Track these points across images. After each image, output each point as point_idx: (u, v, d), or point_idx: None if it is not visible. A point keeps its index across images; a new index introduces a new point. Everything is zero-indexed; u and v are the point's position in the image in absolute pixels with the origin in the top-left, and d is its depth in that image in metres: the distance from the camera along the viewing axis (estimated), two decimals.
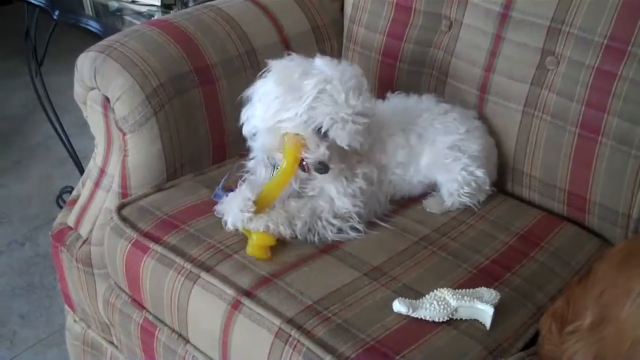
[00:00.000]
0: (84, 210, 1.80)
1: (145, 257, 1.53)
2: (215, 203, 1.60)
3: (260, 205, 1.51)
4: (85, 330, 1.88)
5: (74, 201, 1.85)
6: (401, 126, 1.67)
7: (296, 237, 1.52)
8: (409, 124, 1.68)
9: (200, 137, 1.79)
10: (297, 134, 1.49)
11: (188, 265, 1.48)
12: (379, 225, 1.61)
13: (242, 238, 1.52)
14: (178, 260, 1.49)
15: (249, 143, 1.61)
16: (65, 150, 2.60)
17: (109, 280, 1.68)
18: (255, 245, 1.48)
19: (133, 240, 1.56)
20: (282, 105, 1.49)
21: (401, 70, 1.96)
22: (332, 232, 1.55)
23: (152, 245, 1.53)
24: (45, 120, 2.58)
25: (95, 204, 1.78)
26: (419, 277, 1.48)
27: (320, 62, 1.53)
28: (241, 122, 1.58)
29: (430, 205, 1.69)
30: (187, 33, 1.80)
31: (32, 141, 3.10)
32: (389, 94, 1.78)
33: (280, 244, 1.51)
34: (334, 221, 1.55)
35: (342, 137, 1.49)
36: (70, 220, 1.83)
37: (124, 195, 1.72)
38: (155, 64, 1.71)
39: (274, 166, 1.58)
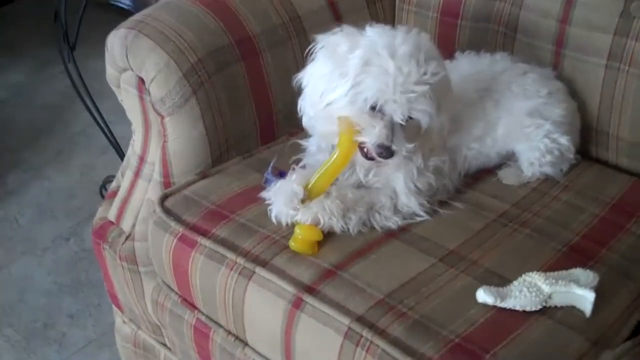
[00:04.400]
0: (124, 203, 1.65)
1: (193, 252, 1.39)
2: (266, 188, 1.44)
3: (310, 195, 1.35)
4: (135, 331, 1.74)
5: (114, 193, 1.71)
6: (476, 93, 1.48)
7: (348, 231, 1.34)
8: (484, 90, 1.49)
9: (246, 116, 1.63)
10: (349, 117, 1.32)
11: (241, 260, 1.32)
12: (450, 204, 1.43)
13: None
14: (229, 254, 1.34)
15: (311, 135, 1.45)
16: (106, 139, 2.46)
17: (157, 279, 1.54)
18: (300, 239, 1.31)
19: (179, 235, 1.41)
20: (328, 84, 1.32)
21: (463, 29, 1.77)
22: (394, 223, 1.37)
23: (200, 239, 1.38)
24: (84, 108, 2.44)
25: (137, 196, 1.63)
26: (502, 260, 1.31)
27: (371, 31, 1.35)
28: (299, 114, 1.42)
29: (507, 176, 1.51)
30: (225, 2, 1.63)
31: (73, 130, 2.98)
32: (457, 54, 1.60)
33: None
34: (395, 217, 1.38)
35: (398, 111, 1.29)
36: (112, 215, 1.68)
37: (166, 184, 1.57)
38: (192, 38, 1.54)
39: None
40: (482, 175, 1.53)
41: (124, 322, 1.77)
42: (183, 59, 1.51)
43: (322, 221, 1.32)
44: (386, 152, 1.30)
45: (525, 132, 1.48)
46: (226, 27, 1.59)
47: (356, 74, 1.29)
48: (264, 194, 1.41)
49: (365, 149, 1.32)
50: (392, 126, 1.30)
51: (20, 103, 3.17)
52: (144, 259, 1.58)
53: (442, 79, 1.33)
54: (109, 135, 2.43)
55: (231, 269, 1.33)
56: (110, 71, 1.61)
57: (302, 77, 1.38)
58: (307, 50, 1.38)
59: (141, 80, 1.54)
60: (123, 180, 1.69)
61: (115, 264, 1.64)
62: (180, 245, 1.41)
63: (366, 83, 1.28)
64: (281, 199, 1.36)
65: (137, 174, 1.64)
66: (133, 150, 1.66)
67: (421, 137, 1.35)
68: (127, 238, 1.62)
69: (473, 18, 1.75)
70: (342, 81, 1.30)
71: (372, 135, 1.30)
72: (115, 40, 1.55)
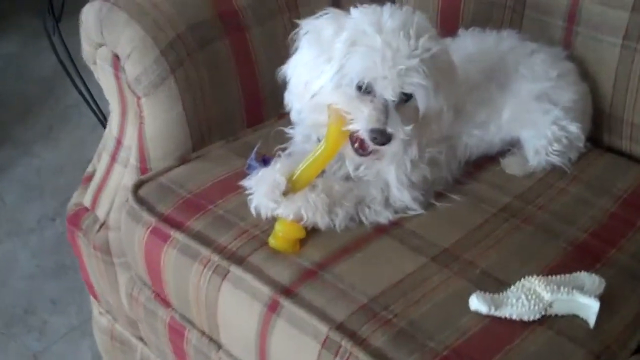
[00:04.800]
0: (100, 188, 1.55)
1: (165, 246, 1.28)
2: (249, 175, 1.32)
3: (294, 187, 1.23)
4: (112, 324, 1.64)
5: (90, 177, 1.60)
6: (480, 75, 1.36)
7: (334, 227, 1.23)
8: (489, 71, 1.36)
9: (231, 96, 1.51)
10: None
11: (215, 257, 1.22)
12: (447, 196, 1.31)
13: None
14: (203, 250, 1.23)
15: (296, 128, 1.34)
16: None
17: (131, 271, 1.43)
18: (280, 237, 1.20)
19: (151, 227, 1.31)
20: (313, 72, 1.20)
21: (467, 3, 1.63)
22: (385, 218, 1.26)
23: (172, 232, 1.28)
24: None
25: (113, 181, 1.52)
26: (501, 260, 1.20)
27: (357, 12, 1.23)
28: (286, 108, 1.31)
29: (511, 165, 1.39)
30: None
31: (64, 105, 2.86)
32: (460, 31, 1.47)
33: None
34: (386, 212, 1.26)
35: (389, 87, 1.16)
36: (87, 200, 1.58)
37: (142, 170, 1.46)
38: (171, 11, 1.42)
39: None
40: (483, 163, 1.41)
41: (100, 313, 1.67)
42: (160, 34, 1.40)
43: (305, 217, 1.21)
44: (381, 136, 1.17)
45: (532, 117, 1.36)
46: None
47: (342, 57, 1.17)
48: (244, 182, 1.30)
49: (357, 142, 1.20)
50: (385, 108, 1.17)
51: (11, 75, 3.06)
52: (118, 250, 1.47)
53: (439, 55, 1.20)
54: (97, 112, 2.32)
55: (204, 266, 1.22)
56: (85, 47, 1.49)
57: (287, 68, 1.27)
58: (289, 36, 1.26)
59: (116, 57, 1.42)
60: (99, 164, 1.58)
61: (90, 253, 1.54)
62: (152, 238, 1.30)
63: (352, 63, 1.17)
64: (262, 190, 1.25)
65: (113, 157, 1.53)
66: (110, 131, 1.55)
67: (419, 121, 1.22)
68: (101, 226, 1.52)
69: None
70: (328, 66, 1.18)
71: (362, 119, 1.17)
72: (90, 13, 1.44)
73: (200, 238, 1.25)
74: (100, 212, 1.53)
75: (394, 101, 1.18)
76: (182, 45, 1.41)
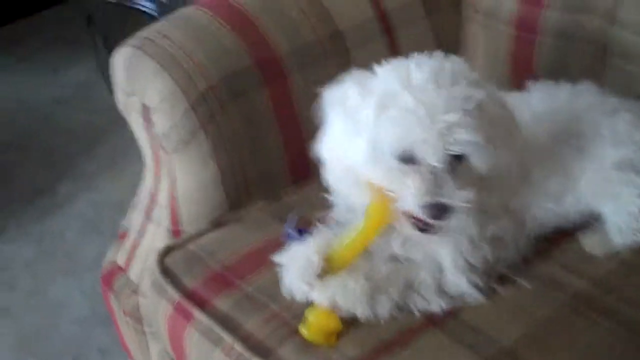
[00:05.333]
0: (134, 247, 1.43)
1: (189, 326, 1.14)
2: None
3: (331, 267, 1.07)
4: None
5: (124, 235, 1.48)
6: (553, 138, 1.16)
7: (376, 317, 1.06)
8: (563, 133, 1.17)
9: (271, 151, 1.36)
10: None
11: (239, 346, 1.07)
12: (513, 281, 1.12)
13: None
14: (227, 336, 1.09)
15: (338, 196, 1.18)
16: None
17: (160, 344, 1.30)
18: (313, 327, 1.04)
19: (175, 303, 1.17)
20: (343, 148, 1.05)
21: (543, 47, 1.43)
22: (438, 306, 1.08)
23: (196, 312, 1.13)
24: None
25: (146, 241, 1.40)
26: None
27: (383, 70, 1.06)
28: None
29: (591, 244, 1.18)
30: (248, 14, 1.35)
31: (129, 137, 2.78)
32: (529, 83, 1.27)
33: None
34: (439, 300, 1.08)
35: (430, 151, 0.99)
36: (121, 259, 1.46)
37: (175, 233, 1.33)
38: (204, 61, 1.28)
39: None
40: (559, 239, 1.20)
41: None
42: (191, 85, 1.26)
43: (340, 305, 1.04)
44: (439, 211, 0.99)
45: (613, 189, 1.15)
46: (247, 46, 1.32)
47: (372, 126, 1.00)
48: (277, 258, 1.14)
49: (413, 220, 1.02)
50: (434, 176, 1.00)
51: (80, 104, 3.00)
52: (150, 318, 1.34)
53: (487, 103, 1.02)
54: None
55: (227, 355, 1.07)
56: (118, 94, 1.38)
57: (319, 148, 1.11)
58: (311, 108, 1.11)
59: (145, 108, 1.30)
60: (134, 219, 1.46)
61: (121, 318, 1.42)
62: (176, 316, 1.17)
63: (384, 131, 1.00)
64: (294, 269, 1.09)
65: (147, 214, 1.41)
66: (145, 186, 1.43)
67: (479, 184, 1.04)
68: (133, 290, 1.39)
69: (556, 34, 1.41)
70: (359, 139, 1.02)
71: (410, 196, 1.00)
72: (119, 60, 1.32)
73: (224, 321, 1.11)
74: (133, 275, 1.41)
75: (443, 166, 1.00)
76: (214, 97, 1.27)
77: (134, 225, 1.44)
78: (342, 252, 1.07)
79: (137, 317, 1.37)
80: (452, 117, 0.97)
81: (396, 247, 1.09)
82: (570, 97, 1.22)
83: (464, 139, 0.98)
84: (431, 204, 0.99)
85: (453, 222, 1.01)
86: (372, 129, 1.00)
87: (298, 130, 1.37)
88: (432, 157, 0.99)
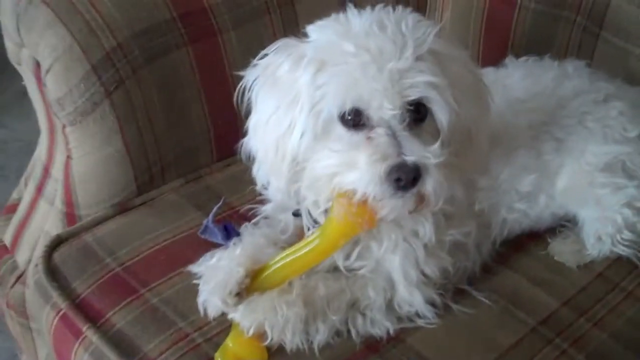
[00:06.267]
0: (22, 225, 1.22)
1: (76, 344, 0.94)
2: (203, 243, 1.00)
3: (260, 285, 0.88)
4: None
5: (14, 207, 1.25)
6: (530, 130, 1.01)
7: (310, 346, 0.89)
8: (543, 124, 1.01)
9: (193, 123, 1.17)
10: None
11: None
12: (472, 297, 0.96)
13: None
14: None
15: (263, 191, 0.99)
16: None
17: (48, 348, 1.09)
18: (232, 355, 0.87)
19: (61, 313, 0.96)
20: (279, 128, 0.85)
21: (524, 12, 1.26)
22: (381, 329, 0.91)
23: (85, 328, 0.93)
24: None
25: (36, 221, 1.20)
26: None
27: (315, 29, 0.88)
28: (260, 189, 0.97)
29: (562, 252, 1.08)
30: None
31: None
32: (508, 59, 1.11)
33: None
34: (386, 322, 0.91)
35: (385, 101, 0.81)
36: (7, 237, 1.23)
37: (69, 216, 1.12)
38: (112, 11, 1.06)
39: (315, 221, 0.92)
40: (525, 242, 1.07)
41: None
42: (94, 42, 1.03)
43: (269, 335, 0.86)
44: (407, 172, 0.80)
45: (597, 193, 1.01)
46: None
47: (310, 89, 0.83)
48: (192, 268, 0.94)
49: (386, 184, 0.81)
50: (392, 137, 0.81)
51: None
52: (36, 317, 1.13)
53: (449, 56, 0.86)
54: None
55: None
56: (8, 44, 1.13)
57: (247, 138, 0.92)
58: (237, 90, 0.91)
59: (38, 65, 1.06)
60: (25, 191, 1.23)
61: (4, 309, 1.20)
62: (61, 328, 0.97)
63: (324, 90, 0.83)
64: (213, 283, 0.90)
65: (39, 189, 1.19)
66: (39, 155, 1.20)
67: (447, 138, 0.85)
68: (18, 278, 1.17)
69: None
70: (296, 111, 0.83)
71: (366, 164, 0.80)
72: (7, 4, 1.07)
73: (120, 342, 0.92)
74: (21, 258, 1.20)
75: (402, 123, 0.82)
76: (123, 57, 1.05)
77: (24, 199, 1.22)
78: (281, 272, 0.89)
79: (21, 311, 1.16)
80: (403, 63, 0.80)
81: (339, 260, 0.91)
82: (555, 80, 1.06)
83: (421, 81, 0.81)
84: (396, 165, 0.79)
85: (431, 183, 0.81)
86: (311, 93, 0.82)
87: (228, 99, 1.14)
88: (386, 108, 0.81)
